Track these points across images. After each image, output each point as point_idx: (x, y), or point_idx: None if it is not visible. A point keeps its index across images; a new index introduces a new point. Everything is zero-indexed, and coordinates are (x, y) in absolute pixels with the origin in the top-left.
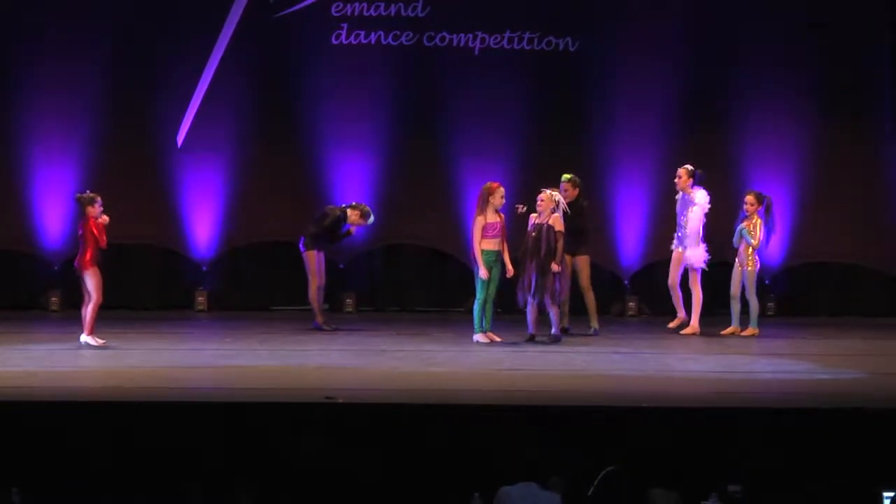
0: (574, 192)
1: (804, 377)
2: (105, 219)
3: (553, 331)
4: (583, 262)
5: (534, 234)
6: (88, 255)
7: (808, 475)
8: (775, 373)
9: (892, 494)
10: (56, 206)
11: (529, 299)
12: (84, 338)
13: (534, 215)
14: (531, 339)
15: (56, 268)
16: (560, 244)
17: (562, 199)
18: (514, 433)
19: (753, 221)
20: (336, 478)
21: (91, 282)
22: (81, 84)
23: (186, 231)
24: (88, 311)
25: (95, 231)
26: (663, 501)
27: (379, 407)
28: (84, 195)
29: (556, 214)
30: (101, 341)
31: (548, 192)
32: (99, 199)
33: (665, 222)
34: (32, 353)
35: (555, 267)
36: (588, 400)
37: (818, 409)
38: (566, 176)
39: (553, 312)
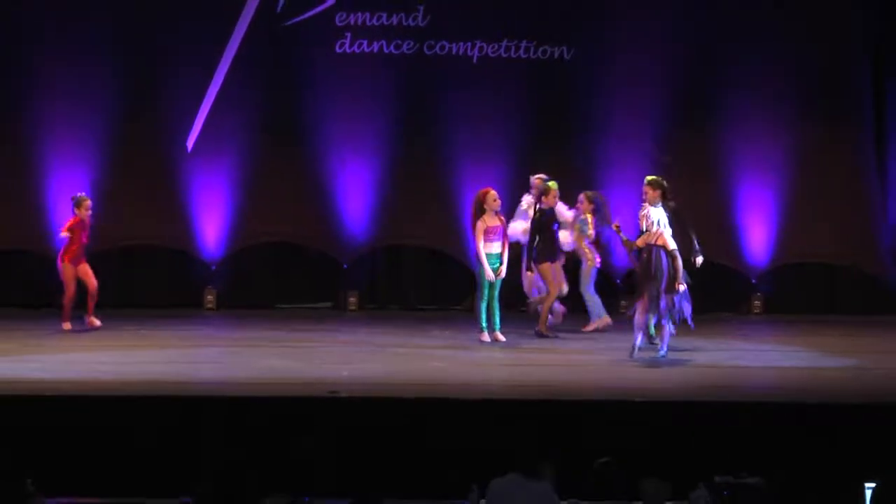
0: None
1: (789, 373)
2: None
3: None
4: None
5: (644, 255)
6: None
7: (792, 466)
8: (762, 368)
9: (873, 485)
10: (70, 208)
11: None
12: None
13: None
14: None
15: None
16: (678, 263)
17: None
18: (512, 427)
19: (586, 216)
20: (339, 470)
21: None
22: (94, 89)
23: (195, 231)
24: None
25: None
26: (655, 491)
27: (381, 401)
28: (78, 196)
29: (662, 234)
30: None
31: (648, 208)
32: (88, 201)
33: None
34: (46, 349)
35: (679, 287)
36: (584, 395)
37: (803, 404)
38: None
39: (665, 330)
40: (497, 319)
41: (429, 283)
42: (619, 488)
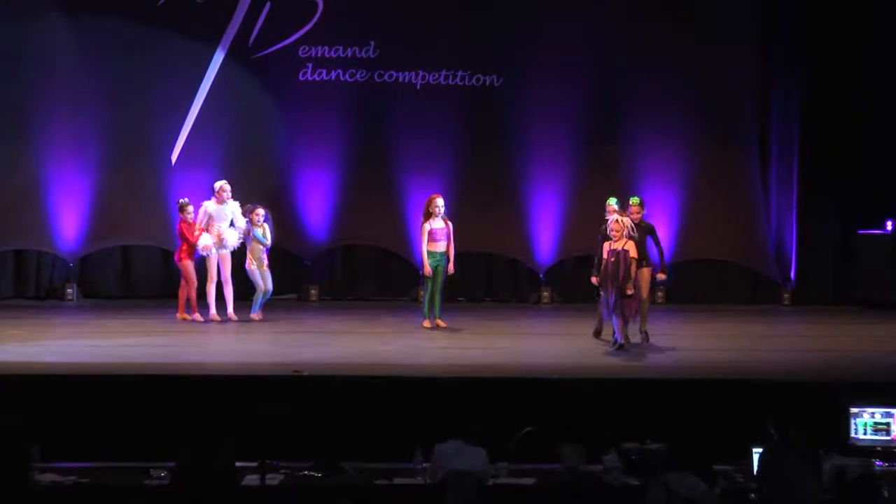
0: (641, 213)
1: (687, 355)
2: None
3: (615, 336)
4: (645, 275)
5: (612, 259)
6: (182, 249)
7: (691, 435)
8: (664, 351)
9: (760, 450)
10: (72, 214)
11: (613, 315)
12: (178, 316)
13: (608, 242)
14: (621, 347)
15: (71, 265)
16: (633, 269)
17: (631, 224)
18: (450, 400)
19: (264, 227)
20: (302, 438)
21: (185, 271)
22: (93, 109)
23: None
24: (182, 294)
25: (185, 230)
26: (572, 454)
27: (339, 379)
28: (180, 201)
29: (630, 241)
30: (190, 317)
31: (619, 219)
32: (190, 206)
33: (574, 224)
34: (53, 336)
35: (629, 290)
36: (510, 373)
37: (700, 381)
38: (635, 199)
39: (617, 323)
40: (438, 309)
41: (379, 277)
42: (541, 453)
